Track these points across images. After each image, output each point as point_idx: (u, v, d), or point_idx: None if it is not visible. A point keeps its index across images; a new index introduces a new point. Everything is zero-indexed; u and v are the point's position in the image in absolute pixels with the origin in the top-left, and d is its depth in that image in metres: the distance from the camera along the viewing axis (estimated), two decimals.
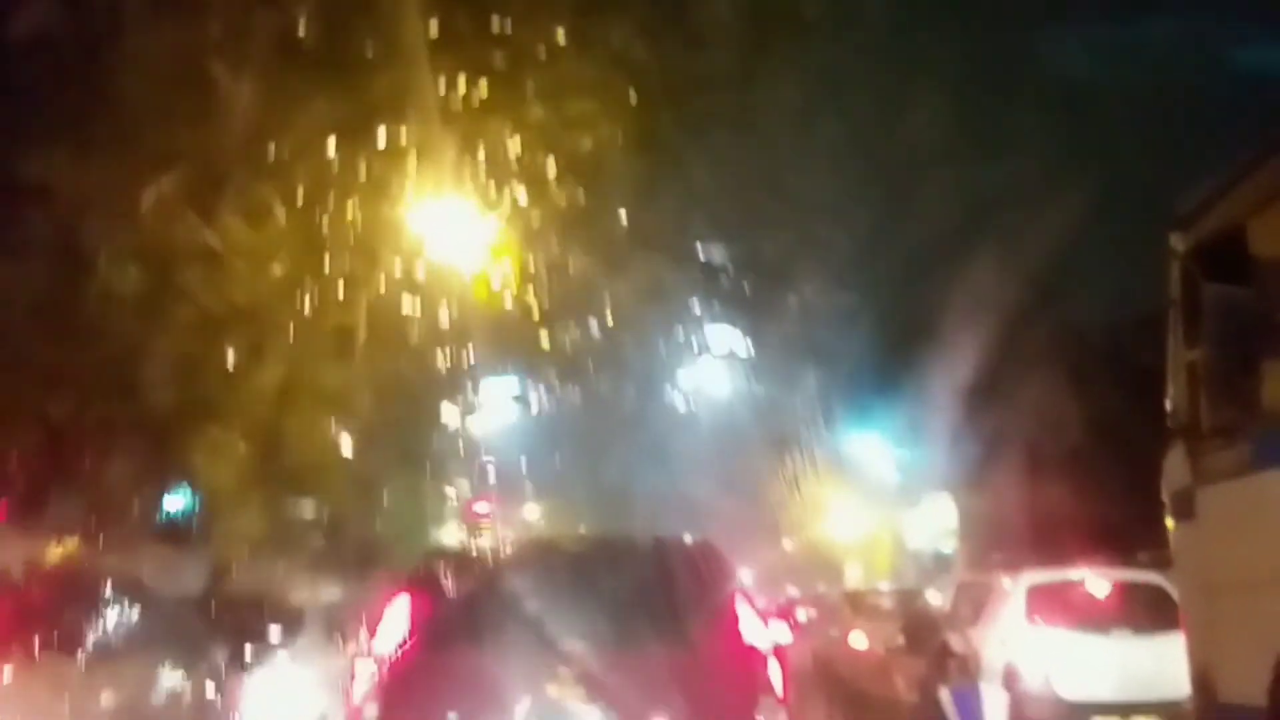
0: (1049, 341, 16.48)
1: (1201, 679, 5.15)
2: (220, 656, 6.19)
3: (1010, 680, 7.26)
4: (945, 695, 6.39)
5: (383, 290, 8.62)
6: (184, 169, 7.97)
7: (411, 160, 7.97)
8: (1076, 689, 7.55)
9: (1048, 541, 11.55)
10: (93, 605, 6.56)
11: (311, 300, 8.36)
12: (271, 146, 7.93)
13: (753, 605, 5.21)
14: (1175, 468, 5.30)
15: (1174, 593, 5.94)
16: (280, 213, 7.96)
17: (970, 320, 17.38)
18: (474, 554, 5.33)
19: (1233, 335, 4.87)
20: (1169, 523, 5.37)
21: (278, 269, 8.21)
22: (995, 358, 17.07)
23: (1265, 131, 4.83)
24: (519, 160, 8.26)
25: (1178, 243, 5.37)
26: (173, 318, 8.08)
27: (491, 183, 8.39)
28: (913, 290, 16.97)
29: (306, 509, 9.54)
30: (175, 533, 9.11)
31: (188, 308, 8.05)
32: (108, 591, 6.86)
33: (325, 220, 8.09)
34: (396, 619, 4.71)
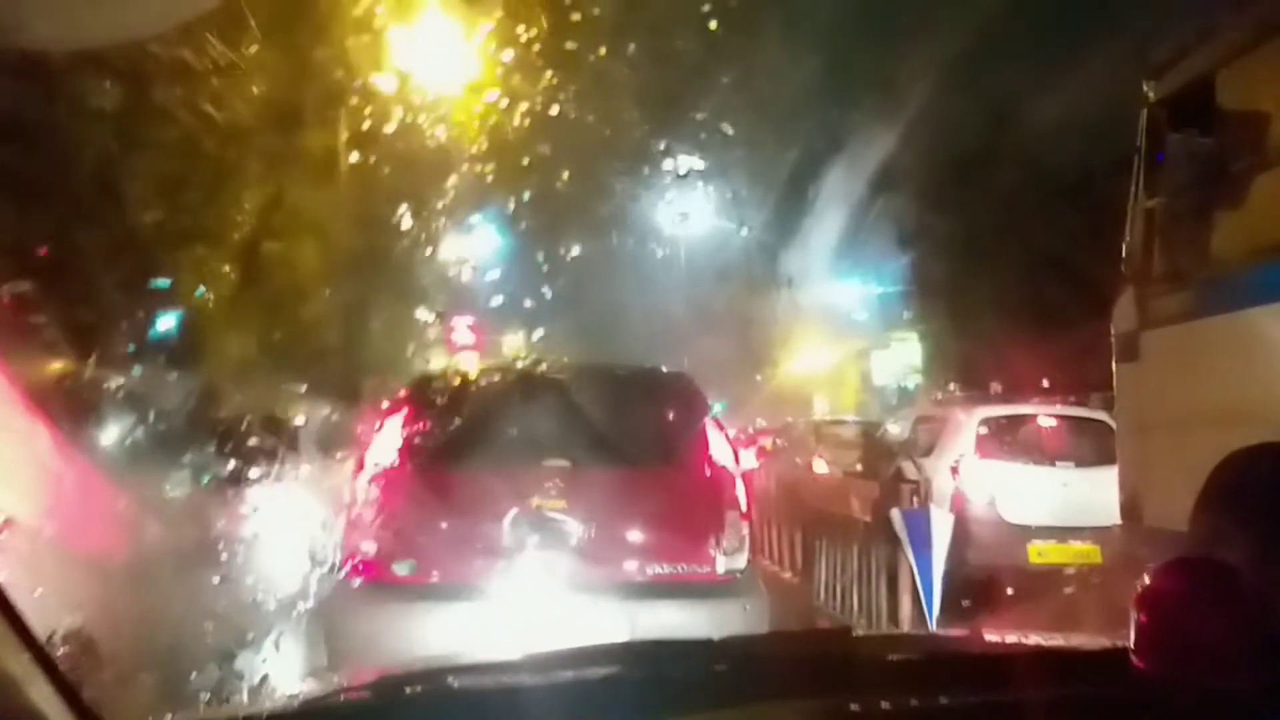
0: (1021, 182, 16.54)
1: (1131, 506, 5.58)
2: (218, 470, 6.49)
3: (958, 504, 7.79)
4: (896, 516, 6.85)
5: (369, 115, 8.54)
6: None
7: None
8: (1018, 514, 8.11)
9: (1008, 380, 11.99)
10: (90, 422, 6.75)
11: (297, 123, 8.29)
12: None
13: (723, 432, 5.54)
14: (1124, 311, 5.59)
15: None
16: (262, 31, 7.79)
17: (944, 162, 17.34)
18: (462, 377, 5.57)
19: (1191, 185, 5.06)
20: (1114, 363, 5.71)
21: (260, 89, 8.10)
22: (968, 200, 17.16)
23: None
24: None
25: (1149, 91, 5.48)
26: (155, 136, 8.00)
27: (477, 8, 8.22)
28: (886, 133, 16.82)
29: (295, 331, 9.74)
30: (165, 353, 9.28)
31: (170, 127, 7.97)
32: (104, 408, 7.05)
33: (310, 42, 7.93)
34: (391, 434, 4.99)
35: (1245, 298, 4.60)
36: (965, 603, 6.61)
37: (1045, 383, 10.13)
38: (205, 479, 6.31)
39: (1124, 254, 5.63)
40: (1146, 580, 1.60)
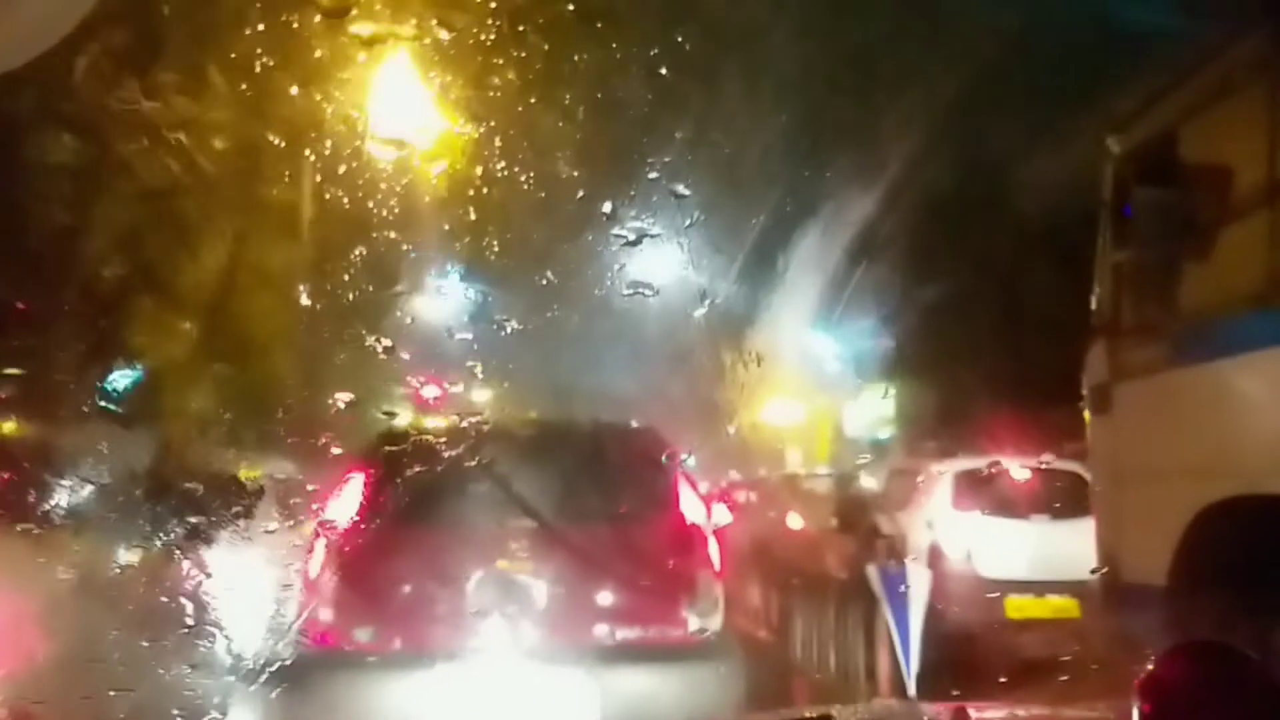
0: (996, 236, 16.72)
1: (1108, 561, 5.53)
2: (175, 531, 6.28)
3: (934, 559, 7.71)
4: (873, 572, 6.76)
5: (330, 165, 8.45)
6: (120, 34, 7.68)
7: (363, 33, 7.72)
8: (995, 568, 8.03)
9: (980, 431, 11.97)
10: (41, 482, 6.55)
11: (257, 174, 8.20)
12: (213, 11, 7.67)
13: (694, 487, 5.44)
14: (1096, 364, 5.57)
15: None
16: (222, 83, 7.73)
17: (912, 216, 17.50)
18: (426, 435, 5.45)
19: (1158, 238, 5.08)
20: (1086, 415, 5.68)
21: (220, 141, 8.01)
22: (938, 253, 17.29)
23: (1200, 41, 4.96)
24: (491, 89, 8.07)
25: (1113, 145, 5.53)
26: (111, 189, 7.89)
27: (444, 62, 8.18)
28: (859, 187, 16.96)
29: (255, 388, 9.57)
30: (121, 410, 9.06)
31: (126, 179, 7.85)
32: (56, 469, 6.85)
33: (269, 94, 7.87)
34: (351, 495, 4.85)
35: (1215, 349, 4.59)
36: (944, 663, 6.48)
37: (1019, 435, 10.11)
38: (158, 541, 6.10)
39: (1094, 306, 5.63)
40: (1149, 666, 1.49)
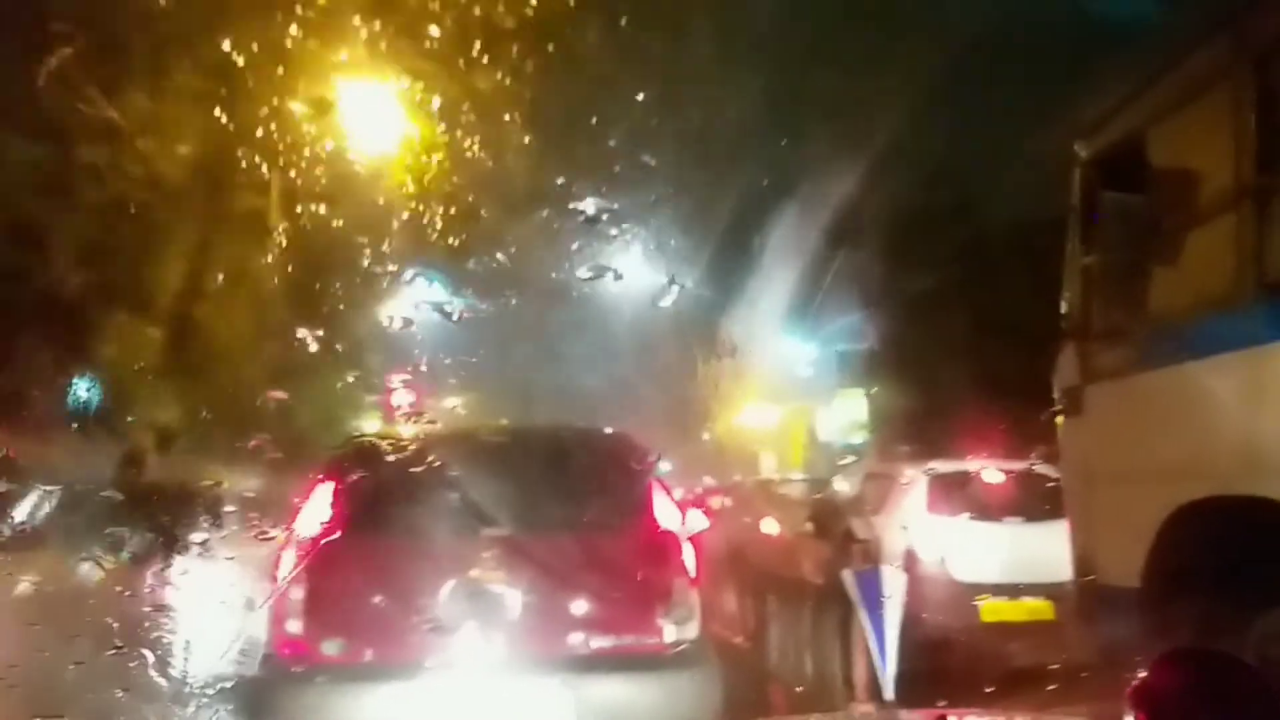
0: (958, 241, 16.84)
1: (1082, 562, 5.54)
2: (139, 544, 6.18)
3: (908, 563, 7.71)
4: (848, 577, 6.75)
5: (296, 175, 8.33)
6: (84, 39, 7.56)
7: (329, 40, 7.62)
8: (969, 571, 8.04)
9: (952, 435, 12.01)
10: (2, 494, 6.43)
11: (223, 182, 8.09)
12: (181, 19, 7.58)
13: (668, 494, 5.41)
14: (1067, 367, 5.59)
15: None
16: (188, 89, 7.63)
17: (881, 222, 17.59)
18: (396, 442, 5.38)
19: (1126, 242, 5.10)
20: (1058, 418, 5.70)
21: (185, 148, 7.90)
22: (907, 259, 17.40)
23: (1166, 46, 5.00)
24: (433, 42, 7.90)
25: (1080, 150, 5.56)
26: (77, 197, 7.77)
27: (410, 67, 8.07)
28: (824, 191, 17.03)
29: (222, 397, 9.45)
30: (86, 420, 8.93)
31: (93, 187, 7.73)
32: (18, 480, 6.73)
33: (236, 101, 7.76)
34: (320, 505, 4.78)
35: (1184, 351, 4.61)
36: (921, 667, 6.47)
37: (992, 438, 10.15)
38: (124, 554, 6.00)
39: (1063, 310, 5.66)
40: (1142, 674, 1.45)
